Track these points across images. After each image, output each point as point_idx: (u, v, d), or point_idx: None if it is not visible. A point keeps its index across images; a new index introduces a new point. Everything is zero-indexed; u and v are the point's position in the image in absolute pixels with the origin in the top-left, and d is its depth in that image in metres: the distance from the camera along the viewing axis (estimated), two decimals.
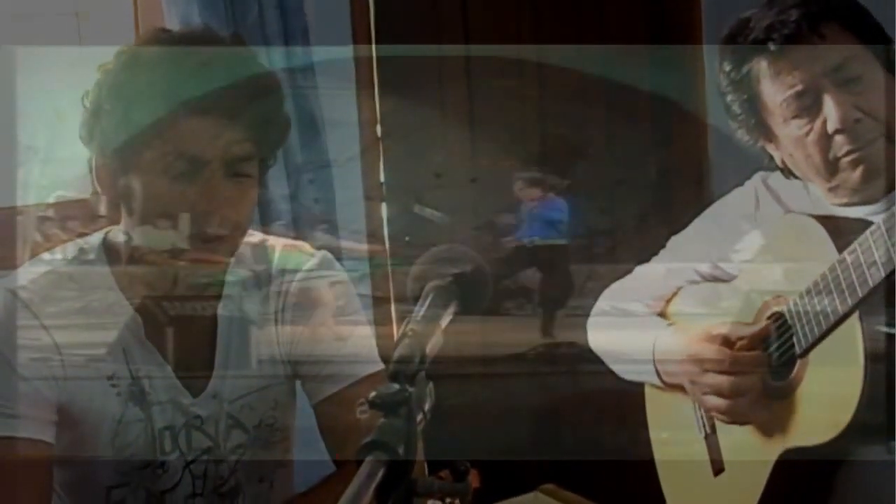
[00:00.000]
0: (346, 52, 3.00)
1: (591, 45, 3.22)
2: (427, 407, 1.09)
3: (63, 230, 2.44)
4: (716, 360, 1.75)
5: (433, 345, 1.14)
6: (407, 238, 3.00)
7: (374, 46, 3.09)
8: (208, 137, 1.56)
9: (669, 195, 3.39)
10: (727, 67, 1.78)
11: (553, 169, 3.42)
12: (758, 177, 1.95)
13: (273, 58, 2.68)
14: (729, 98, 1.80)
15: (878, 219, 1.55)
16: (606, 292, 2.12)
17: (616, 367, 2.04)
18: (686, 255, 2.00)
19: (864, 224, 1.58)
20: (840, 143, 1.69)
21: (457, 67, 3.28)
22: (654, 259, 2.08)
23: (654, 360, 1.91)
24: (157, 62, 1.58)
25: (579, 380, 3.09)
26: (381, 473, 0.98)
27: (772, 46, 1.69)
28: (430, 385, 1.10)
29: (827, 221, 1.66)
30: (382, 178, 3.13)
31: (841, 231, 1.62)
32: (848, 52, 1.68)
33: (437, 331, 1.16)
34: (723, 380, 1.75)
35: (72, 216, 2.44)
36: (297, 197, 2.76)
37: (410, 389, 1.05)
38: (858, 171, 1.70)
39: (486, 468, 1.75)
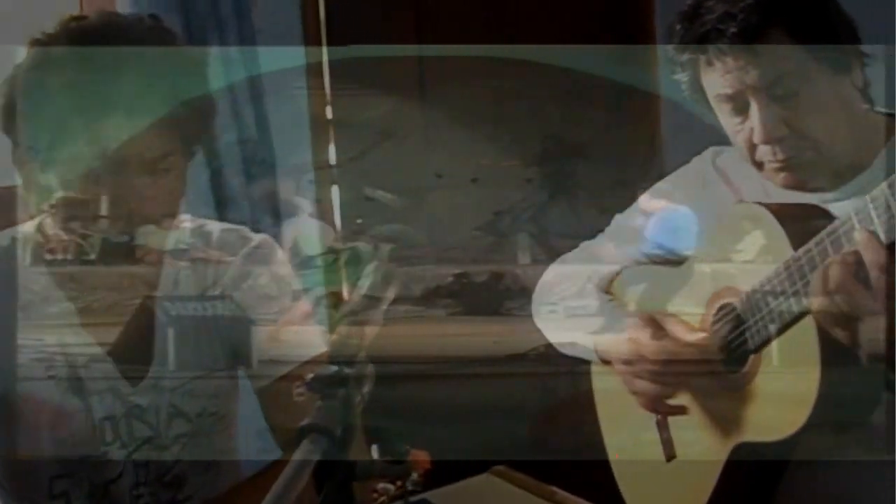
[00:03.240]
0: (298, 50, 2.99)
1: (550, 44, 3.20)
2: (366, 389, 1.07)
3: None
4: (654, 348, 1.74)
5: (372, 327, 1.12)
6: (359, 220, 2.98)
7: (324, 49, 3.07)
8: (124, 136, 1.53)
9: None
10: (673, 48, 1.76)
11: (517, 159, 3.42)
12: (708, 154, 1.93)
13: (224, 40, 2.65)
14: (676, 75, 1.79)
15: (833, 208, 1.56)
16: (552, 266, 2.11)
17: (556, 342, 2.03)
18: (629, 234, 1.99)
19: (818, 212, 1.58)
20: (764, 152, 1.68)
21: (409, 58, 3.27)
22: (600, 236, 2.06)
23: (592, 336, 1.89)
24: (67, 61, 1.54)
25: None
26: (317, 456, 0.97)
27: (710, 48, 1.66)
28: (371, 367, 1.09)
29: (780, 211, 1.64)
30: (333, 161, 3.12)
31: (794, 221, 1.60)
32: (787, 66, 1.64)
33: (377, 313, 1.14)
34: (657, 369, 1.74)
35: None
36: (247, 182, 2.74)
37: (348, 371, 1.03)
38: (780, 178, 1.70)
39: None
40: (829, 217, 1.55)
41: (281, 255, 1.80)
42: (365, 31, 3.10)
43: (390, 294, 1.18)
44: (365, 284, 1.18)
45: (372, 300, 1.15)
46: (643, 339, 1.76)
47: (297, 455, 0.97)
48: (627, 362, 1.79)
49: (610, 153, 3.45)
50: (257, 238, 1.78)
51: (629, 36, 3.43)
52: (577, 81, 3.28)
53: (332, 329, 1.10)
